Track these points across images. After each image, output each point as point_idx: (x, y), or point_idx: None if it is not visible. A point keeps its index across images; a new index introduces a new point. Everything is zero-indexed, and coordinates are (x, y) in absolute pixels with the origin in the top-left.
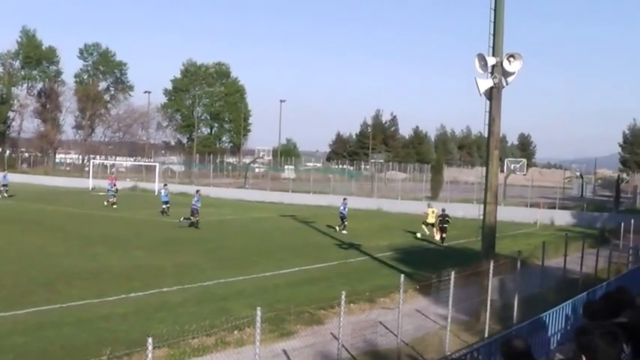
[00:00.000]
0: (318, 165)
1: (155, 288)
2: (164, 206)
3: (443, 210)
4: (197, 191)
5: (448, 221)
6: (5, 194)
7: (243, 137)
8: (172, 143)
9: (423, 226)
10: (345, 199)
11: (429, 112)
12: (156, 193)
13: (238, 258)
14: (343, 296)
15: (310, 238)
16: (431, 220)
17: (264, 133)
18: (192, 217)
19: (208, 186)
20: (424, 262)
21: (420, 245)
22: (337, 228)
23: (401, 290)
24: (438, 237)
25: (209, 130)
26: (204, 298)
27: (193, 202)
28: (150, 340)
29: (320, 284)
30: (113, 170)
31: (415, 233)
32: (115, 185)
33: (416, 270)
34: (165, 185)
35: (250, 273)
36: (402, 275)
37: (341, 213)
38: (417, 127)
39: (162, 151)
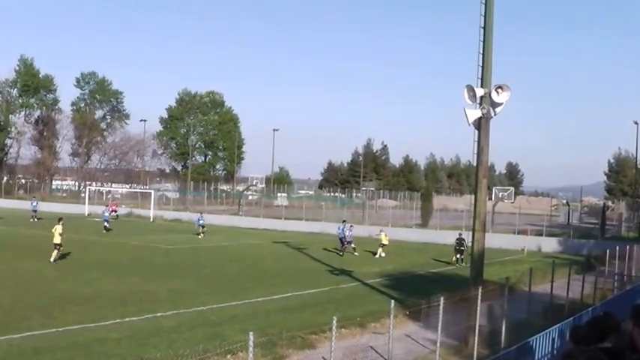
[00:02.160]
0: (311, 192)
1: (150, 313)
2: (201, 229)
3: (460, 234)
4: (200, 214)
5: (463, 244)
6: (35, 219)
7: (237, 165)
8: (167, 170)
9: (379, 248)
10: (344, 221)
11: (419, 141)
12: (193, 223)
13: (232, 283)
14: (334, 321)
15: (302, 264)
16: (385, 241)
17: (258, 161)
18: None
19: (203, 212)
20: (414, 288)
21: (410, 272)
22: (341, 253)
23: (391, 315)
24: (453, 258)
25: (203, 158)
26: (198, 323)
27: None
28: None
29: (312, 310)
30: (117, 196)
31: (375, 254)
32: (116, 212)
33: (406, 296)
34: (201, 214)
35: (243, 298)
36: (393, 301)
37: (343, 236)
38: (408, 155)
39: (158, 179)
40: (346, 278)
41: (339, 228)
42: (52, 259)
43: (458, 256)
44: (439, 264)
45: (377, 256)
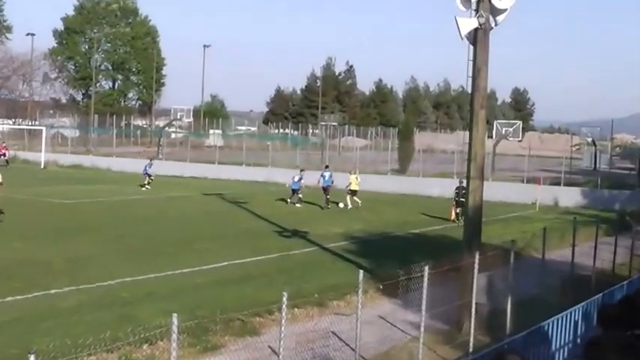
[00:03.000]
0: (253, 129)
1: (41, 289)
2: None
3: (461, 182)
4: (150, 159)
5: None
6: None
7: (156, 93)
8: (63, 101)
9: (347, 196)
10: (302, 170)
11: (395, 61)
12: (144, 171)
13: (148, 250)
14: (285, 299)
15: (242, 224)
16: (354, 187)
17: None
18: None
19: (110, 156)
20: (389, 254)
21: (383, 232)
22: (288, 200)
23: (359, 291)
24: (453, 214)
25: (111, 85)
26: (105, 302)
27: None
28: (32, 357)
29: (255, 283)
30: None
31: (337, 203)
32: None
33: (378, 264)
34: (150, 160)
35: (164, 269)
36: (361, 271)
37: (293, 186)
38: (380, 80)
39: (51, 111)
40: (300, 241)
41: (293, 178)
42: None
43: (458, 210)
44: (421, 222)
45: (342, 205)
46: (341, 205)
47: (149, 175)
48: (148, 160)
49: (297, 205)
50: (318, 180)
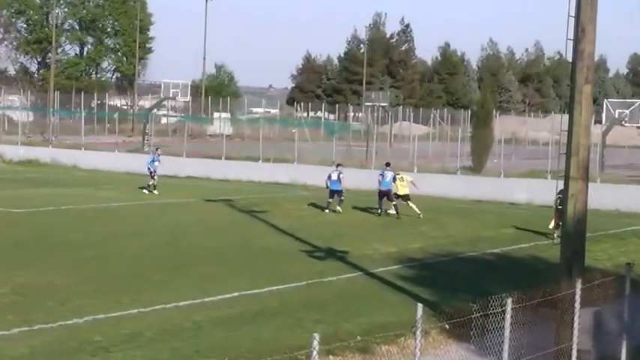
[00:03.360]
0: (273, 112)
1: None
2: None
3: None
4: (157, 149)
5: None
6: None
7: (140, 63)
8: (11, 72)
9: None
10: (339, 165)
11: (467, 18)
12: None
13: (130, 276)
14: (316, 343)
15: (258, 241)
16: (402, 190)
17: (177, 57)
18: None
19: (77, 148)
20: (458, 283)
21: (450, 253)
22: (328, 208)
23: (418, 332)
24: (552, 226)
25: (78, 51)
26: (68, 348)
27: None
28: None
29: (275, 321)
30: None
31: (382, 211)
32: None
33: (444, 296)
34: (156, 149)
35: (151, 302)
36: (420, 306)
37: (332, 186)
38: (447, 44)
39: None
40: (337, 265)
41: (329, 176)
42: None
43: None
44: (502, 238)
45: (388, 212)
46: (388, 212)
47: (152, 174)
48: (153, 152)
49: (338, 208)
50: (378, 180)
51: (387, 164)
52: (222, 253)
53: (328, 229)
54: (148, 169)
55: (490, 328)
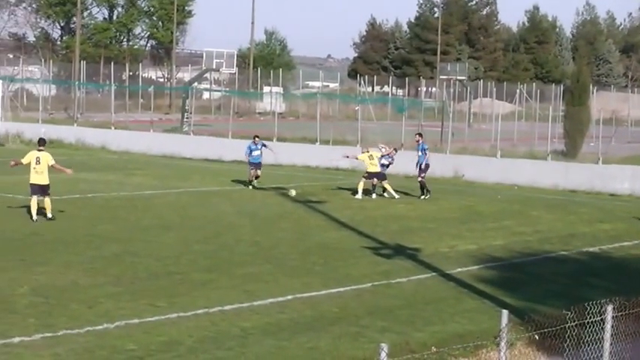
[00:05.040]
0: (333, 86)
1: None
2: (252, 171)
3: None
4: (255, 137)
5: None
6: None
7: (178, 29)
8: (31, 39)
9: (361, 183)
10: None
11: None
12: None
13: (168, 275)
14: (384, 354)
15: (314, 235)
16: (372, 168)
17: (221, 23)
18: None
19: (106, 127)
20: (549, 287)
21: (538, 251)
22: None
23: (502, 343)
24: None
25: (107, 14)
26: (100, 356)
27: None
28: None
29: (334, 329)
30: None
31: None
32: None
33: (531, 302)
34: (255, 138)
35: (193, 305)
36: (505, 312)
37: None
38: (535, 8)
39: (10, 56)
40: (406, 264)
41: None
42: None
43: None
44: (600, 235)
45: (358, 197)
46: (358, 195)
47: (256, 164)
48: (254, 140)
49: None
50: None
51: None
52: (271, 249)
53: (396, 222)
54: (254, 161)
55: (587, 339)
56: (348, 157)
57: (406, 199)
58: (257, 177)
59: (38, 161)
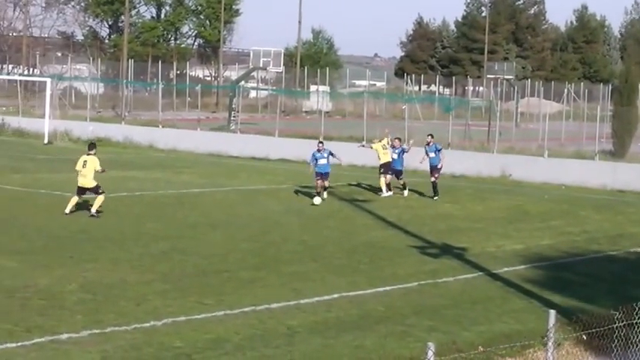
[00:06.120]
0: (379, 84)
1: (45, 333)
2: (319, 181)
3: None
4: (320, 142)
5: None
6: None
7: (225, 28)
8: (79, 37)
9: (382, 179)
10: (430, 135)
11: None
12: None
13: (216, 273)
14: (430, 354)
15: (360, 234)
16: (384, 158)
17: (268, 22)
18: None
19: (153, 125)
20: (597, 286)
21: (586, 251)
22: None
23: (550, 342)
24: None
25: (154, 13)
26: (147, 354)
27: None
28: None
29: (380, 328)
30: None
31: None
32: None
33: (579, 302)
34: (320, 144)
35: (240, 303)
36: (552, 312)
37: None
38: (584, 7)
39: (59, 54)
40: (453, 263)
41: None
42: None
43: None
44: None
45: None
46: (385, 194)
47: (322, 175)
48: (318, 147)
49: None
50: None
51: (429, 135)
52: (318, 248)
53: (443, 221)
54: (322, 171)
55: (635, 340)
56: (363, 145)
57: (452, 198)
58: (325, 188)
59: (85, 165)
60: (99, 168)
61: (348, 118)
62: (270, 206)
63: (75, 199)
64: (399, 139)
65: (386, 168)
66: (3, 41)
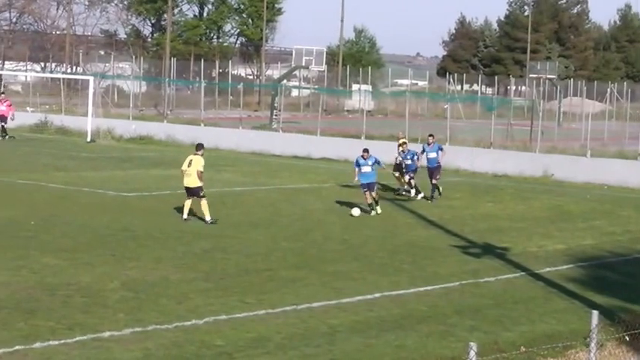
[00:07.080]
0: (422, 84)
1: (88, 331)
2: (366, 193)
3: None
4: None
5: None
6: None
7: (268, 27)
8: (122, 36)
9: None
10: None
11: None
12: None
13: (257, 272)
14: (473, 352)
15: (402, 234)
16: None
17: (311, 20)
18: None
19: (195, 124)
20: None
21: (630, 251)
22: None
23: (592, 343)
24: None
25: (197, 11)
26: (189, 352)
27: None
28: None
29: (421, 328)
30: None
31: (397, 190)
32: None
33: (623, 302)
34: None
35: (282, 302)
36: (595, 313)
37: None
38: (628, 6)
39: (102, 52)
40: (495, 263)
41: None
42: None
43: None
44: None
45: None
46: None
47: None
48: (363, 154)
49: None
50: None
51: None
52: (360, 247)
53: (484, 221)
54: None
55: None
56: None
57: (494, 198)
58: (376, 201)
59: (190, 164)
60: (202, 169)
61: (390, 116)
62: (312, 205)
63: (188, 203)
64: (406, 143)
65: (400, 167)
66: (46, 40)
